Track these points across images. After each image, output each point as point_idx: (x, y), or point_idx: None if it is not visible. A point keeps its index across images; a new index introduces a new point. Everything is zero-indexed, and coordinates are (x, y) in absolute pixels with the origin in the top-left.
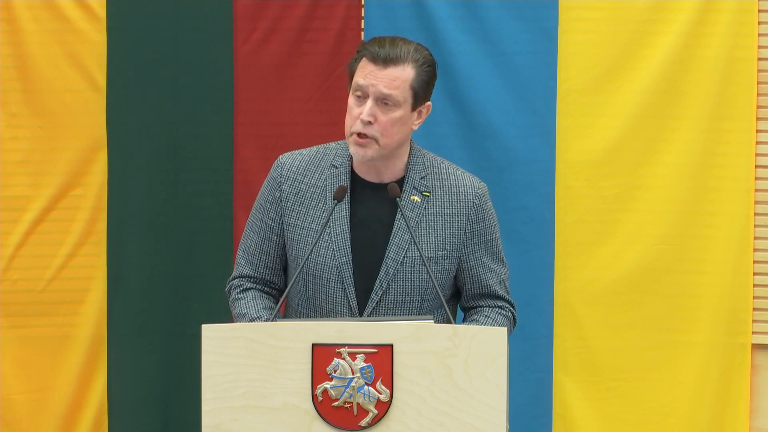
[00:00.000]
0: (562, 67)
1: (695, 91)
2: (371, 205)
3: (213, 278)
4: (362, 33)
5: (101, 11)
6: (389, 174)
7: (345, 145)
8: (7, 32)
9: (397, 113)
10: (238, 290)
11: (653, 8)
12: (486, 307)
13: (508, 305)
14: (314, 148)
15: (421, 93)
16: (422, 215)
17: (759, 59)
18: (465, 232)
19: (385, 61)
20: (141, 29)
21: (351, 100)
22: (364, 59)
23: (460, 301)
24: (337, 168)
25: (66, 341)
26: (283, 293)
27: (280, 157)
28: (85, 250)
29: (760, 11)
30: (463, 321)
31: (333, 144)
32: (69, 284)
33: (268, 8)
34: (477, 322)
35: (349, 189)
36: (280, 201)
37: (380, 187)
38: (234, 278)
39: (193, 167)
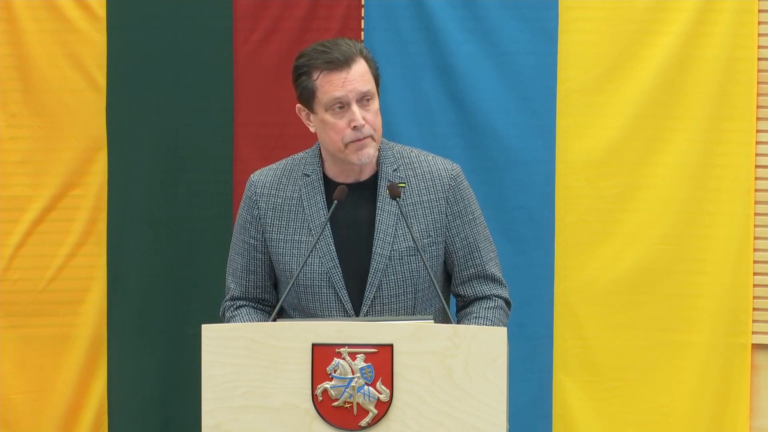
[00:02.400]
0: (562, 67)
1: (695, 91)
2: (348, 205)
3: (213, 278)
4: (362, 33)
5: (101, 11)
6: (364, 172)
7: (313, 153)
8: (7, 32)
9: (376, 104)
10: (232, 309)
11: (653, 8)
12: (475, 302)
13: (498, 289)
14: (282, 161)
15: (378, 78)
16: (402, 206)
17: (759, 59)
18: (446, 216)
19: (347, 63)
20: (141, 29)
21: (328, 117)
22: (322, 74)
23: (450, 285)
24: (309, 176)
25: (66, 341)
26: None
27: (252, 175)
28: (85, 250)
29: (760, 11)
30: (457, 320)
31: (300, 154)
32: (69, 284)
33: (268, 8)
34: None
35: (324, 195)
36: (259, 219)
37: (355, 187)
38: (226, 301)
39: (193, 167)
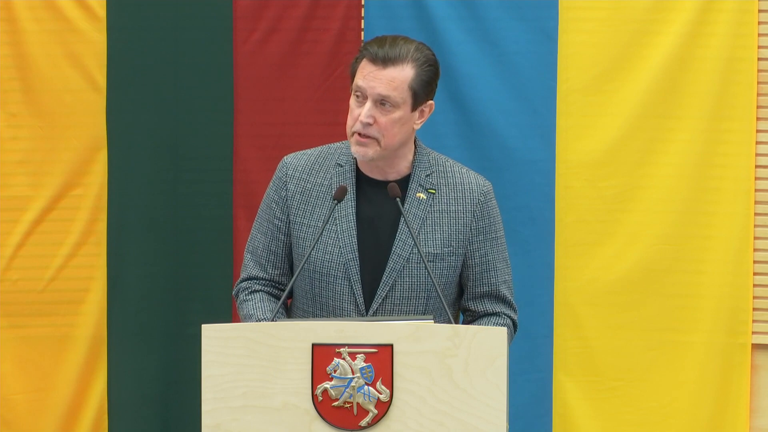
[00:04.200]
0: (562, 67)
1: (695, 91)
2: (377, 202)
3: (213, 278)
4: (362, 33)
5: (101, 11)
6: (394, 172)
7: (349, 144)
8: (7, 32)
9: (396, 114)
10: (246, 292)
11: (653, 8)
12: (484, 317)
13: (508, 310)
14: (318, 148)
15: (421, 93)
16: (428, 212)
17: (759, 59)
18: (470, 230)
19: (384, 62)
20: (141, 29)
21: (352, 101)
22: (364, 60)
23: (461, 298)
24: (342, 166)
25: (66, 341)
26: (291, 295)
27: (285, 157)
28: (85, 250)
29: (760, 11)
30: None
31: (337, 144)
32: (69, 284)
33: (268, 8)
34: None
35: (354, 187)
36: (286, 200)
37: (386, 185)
38: (242, 281)
39: (193, 167)
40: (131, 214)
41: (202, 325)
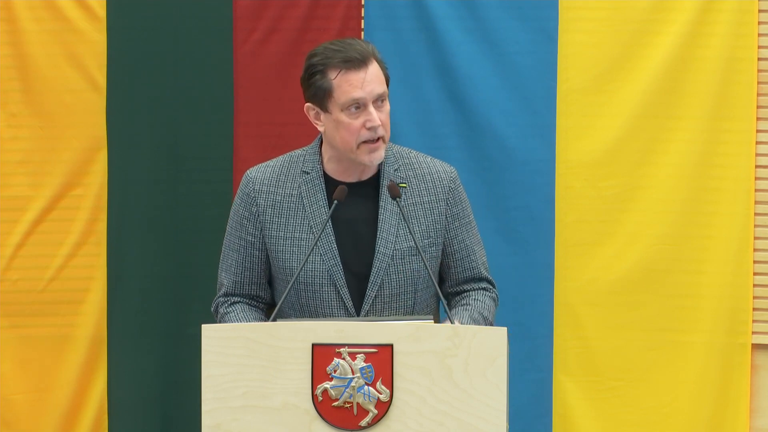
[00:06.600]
0: (562, 67)
1: (695, 91)
2: (350, 204)
3: (213, 278)
4: (362, 33)
5: (101, 11)
6: (365, 171)
7: (312, 150)
8: (7, 32)
9: (388, 105)
10: (226, 305)
11: (653, 8)
12: (472, 290)
13: (491, 286)
14: (280, 158)
15: (388, 79)
16: (402, 206)
17: (759, 59)
18: (446, 218)
19: (364, 62)
20: (141, 29)
21: (343, 117)
22: (340, 73)
23: (443, 286)
24: (308, 173)
25: (66, 341)
26: (271, 306)
27: (248, 172)
28: (85, 250)
29: (760, 11)
30: (449, 306)
31: (298, 151)
32: (69, 284)
33: (268, 8)
34: (468, 306)
35: (324, 192)
36: (258, 215)
37: (357, 186)
38: (219, 297)
39: (193, 167)
40: (131, 214)
41: (202, 325)
